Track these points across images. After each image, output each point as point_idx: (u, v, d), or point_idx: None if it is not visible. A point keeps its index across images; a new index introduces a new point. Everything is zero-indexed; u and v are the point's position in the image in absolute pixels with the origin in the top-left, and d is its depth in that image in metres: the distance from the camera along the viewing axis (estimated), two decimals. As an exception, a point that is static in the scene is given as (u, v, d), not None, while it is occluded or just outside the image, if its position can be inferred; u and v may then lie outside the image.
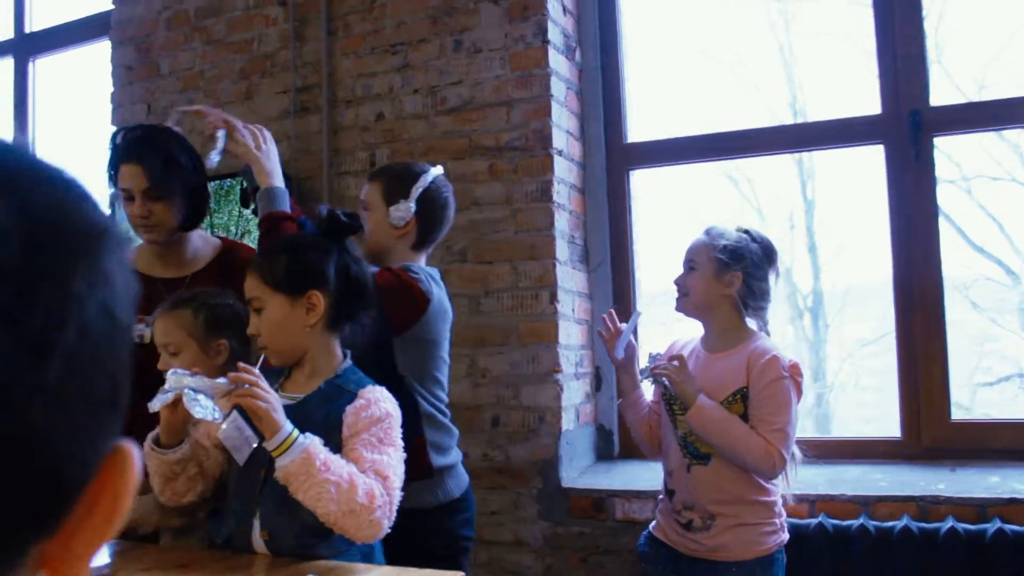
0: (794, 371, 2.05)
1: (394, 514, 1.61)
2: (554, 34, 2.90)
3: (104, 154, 2.21)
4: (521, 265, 2.83)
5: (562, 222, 2.87)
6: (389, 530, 1.61)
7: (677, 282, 2.17)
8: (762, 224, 4.08)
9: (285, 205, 2.09)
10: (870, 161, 2.80)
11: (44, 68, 4.43)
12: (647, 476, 2.77)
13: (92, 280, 0.39)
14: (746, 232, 2.15)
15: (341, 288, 1.77)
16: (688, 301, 2.16)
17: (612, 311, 2.26)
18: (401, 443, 1.70)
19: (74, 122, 4.44)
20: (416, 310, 1.99)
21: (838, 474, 2.62)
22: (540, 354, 2.79)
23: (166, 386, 1.59)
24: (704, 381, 2.09)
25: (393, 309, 1.96)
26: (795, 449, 2.09)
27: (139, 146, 2.13)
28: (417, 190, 2.09)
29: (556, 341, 2.78)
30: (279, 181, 2.12)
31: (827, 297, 3.84)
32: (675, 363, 2.09)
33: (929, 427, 2.63)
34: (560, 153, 2.89)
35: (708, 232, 2.17)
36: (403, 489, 1.67)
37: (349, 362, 1.81)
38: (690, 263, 2.16)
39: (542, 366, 2.79)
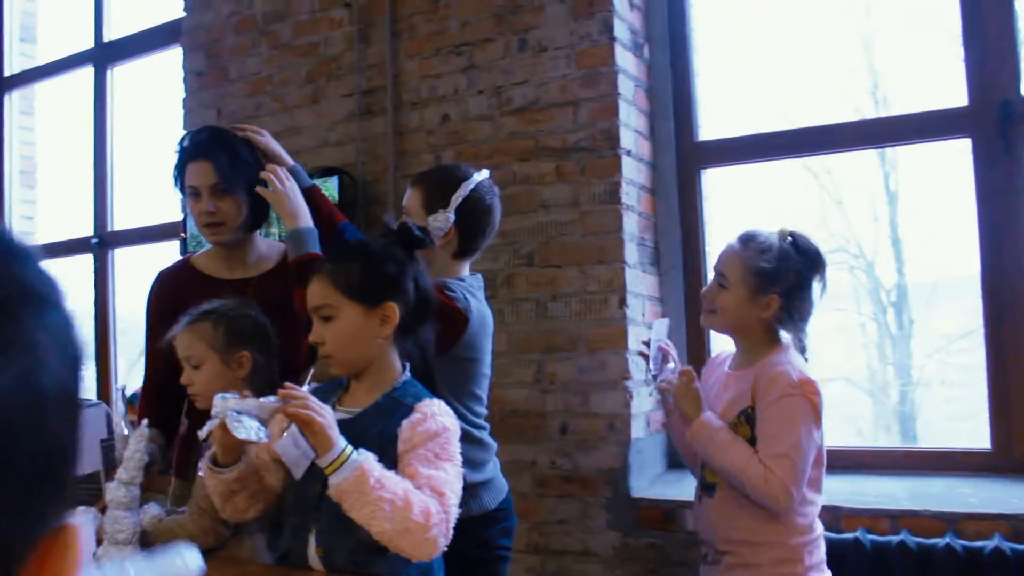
0: (806, 388, 1.81)
1: (451, 532, 1.57)
2: (620, 31, 2.82)
3: (172, 159, 2.25)
4: (589, 269, 2.76)
5: (631, 224, 2.79)
6: (446, 548, 1.56)
7: (705, 296, 1.98)
8: (843, 217, 3.94)
9: (314, 245, 2.05)
10: (956, 154, 2.66)
11: (122, 76, 4.53)
12: (720, 486, 2.69)
13: (6, 349, 0.35)
14: (791, 239, 1.92)
15: (412, 301, 1.75)
16: (716, 318, 1.97)
17: (645, 341, 2.09)
18: (459, 458, 1.66)
19: (150, 129, 4.52)
20: (456, 331, 1.93)
21: (922, 487, 2.49)
22: (609, 360, 2.73)
23: (213, 411, 1.60)
24: (721, 401, 1.94)
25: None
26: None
27: (205, 144, 2.19)
28: (457, 199, 2.01)
29: (625, 347, 2.71)
30: (305, 220, 2.08)
31: (912, 291, 3.68)
32: (679, 376, 1.95)
33: (1022, 438, 2.48)
34: (628, 153, 2.81)
35: (744, 242, 1.92)
36: None
37: (408, 375, 1.78)
38: (720, 277, 1.94)
39: (611, 373, 2.72)
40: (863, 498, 2.42)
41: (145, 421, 1.74)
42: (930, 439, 3.80)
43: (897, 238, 3.61)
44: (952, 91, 2.63)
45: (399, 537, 1.52)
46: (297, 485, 1.70)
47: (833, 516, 2.38)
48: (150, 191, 4.43)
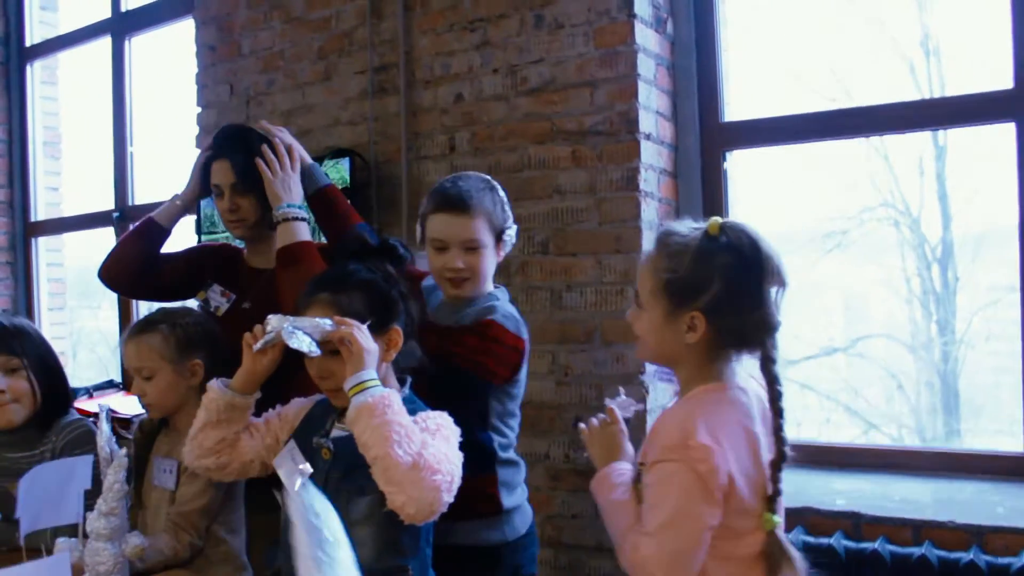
0: (693, 453, 1.37)
1: (453, 496, 1.49)
2: (641, 6, 2.67)
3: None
4: (605, 259, 2.65)
5: (650, 212, 2.67)
6: (444, 509, 1.48)
7: (629, 319, 1.58)
8: (888, 171, 3.74)
9: (304, 233, 2.12)
10: (1001, 138, 2.49)
11: (140, 47, 4.46)
12: (739, 484, 2.59)
13: None
14: (721, 235, 1.46)
15: (409, 321, 1.71)
16: (642, 348, 1.57)
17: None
18: (459, 455, 1.57)
19: (167, 100, 4.46)
20: (518, 362, 1.90)
21: (949, 493, 2.38)
22: (625, 354, 2.63)
23: (268, 327, 1.58)
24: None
25: (503, 368, 1.87)
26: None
27: (227, 143, 2.27)
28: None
29: (642, 341, 2.61)
30: (292, 199, 2.15)
31: (958, 246, 3.56)
32: (599, 420, 1.67)
33: (1060, 443, 2.35)
34: (648, 137, 2.67)
35: (657, 246, 1.52)
36: (470, 527, 1.80)
37: (408, 391, 1.71)
38: (636, 297, 1.55)
39: (627, 366, 2.63)
40: (886, 503, 2.32)
41: (124, 450, 1.69)
42: (971, 394, 3.68)
43: (944, 192, 3.48)
44: (997, 73, 2.45)
45: (407, 472, 1.43)
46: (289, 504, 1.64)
47: (854, 523, 2.28)
48: (169, 165, 4.40)
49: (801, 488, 2.51)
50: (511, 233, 1.96)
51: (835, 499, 2.39)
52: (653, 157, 2.71)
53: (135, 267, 2.31)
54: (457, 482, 1.49)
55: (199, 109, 3.66)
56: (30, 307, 4.88)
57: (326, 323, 1.56)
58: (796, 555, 1.46)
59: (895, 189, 3.92)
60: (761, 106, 2.86)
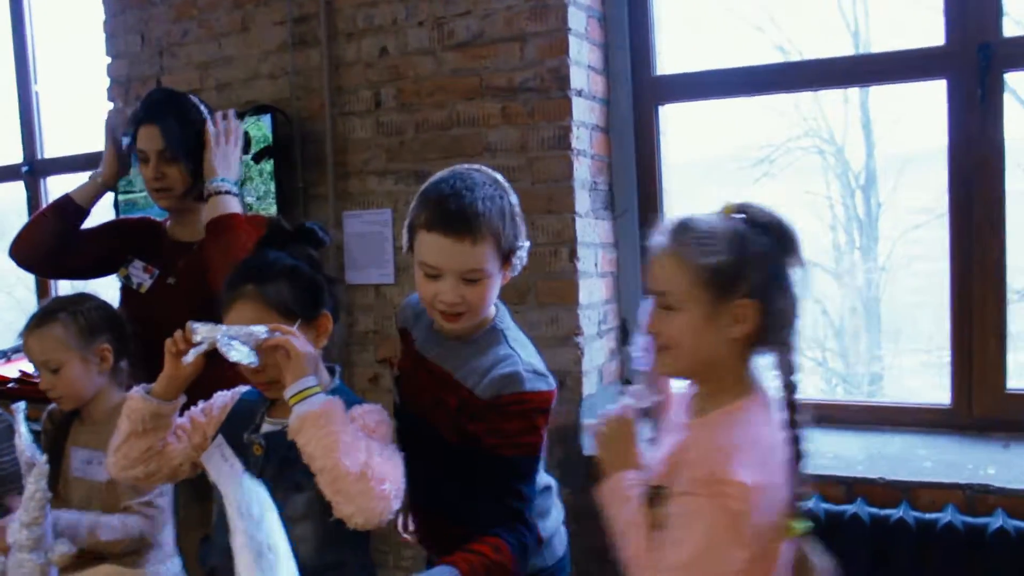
0: (728, 489, 1.23)
1: (399, 503, 1.45)
2: (572, -43, 2.58)
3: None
4: (538, 219, 2.60)
5: (582, 171, 2.62)
6: (392, 516, 1.44)
7: (650, 330, 1.37)
8: (814, 100, 3.72)
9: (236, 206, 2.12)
10: (931, 95, 2.49)
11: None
12: (674, 441, 2.62)
13: None
14: (741, 213, 1.34)
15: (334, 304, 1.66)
16: (671, 357, 1.36)
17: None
18: (399, 455, 1.54)
19: (76, 47, 4.22)
20: (550, 414, 1.65)
21: (879, 447, 2.43)
22: (559, 315, 2.60)
23: (196, 337, 1.48)
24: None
25: (534, 436, 1.62)
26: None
27: (156, 107, 2.18)
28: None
29: (576, 302, 2.58)
30: (228, 174, 2.14)
31: (880, 174, 3.62)
32: (609, 417, 1.52)
33: (981, 396, 2.41)
34: (580, 94, 2.61)
35: (678, 237, 1.34)
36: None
37: (338, 381, 1.66)
38: (662, 299, 1.35)
39: (561, 328, 2.60)
40: (819, 461, 2.36)
41: (44, 457, 1.60)
42: (892, 319, 3.77)
43: (868, 120, 3.51)
44: (928, 31, 2.44)
45: (353, 481, 1.39)
46: (224, 503, 1.59)
47: (786, 479, 2.32)
48: (81, 116, 4.18)
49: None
50: (522, 255, 1.61)
51: (767, 455, 2.43)
52: (585, 114, 2.64)
53: (49, 247, 2.20)
54: (402, 488, 1.46)
55: (108, 59, 3.46)
56: (-62, 267, 4.64)
57: (260, 331, 1.48)
58: (819, 562, 1.39)
59: (820, 117, 3.96)
60: (690, 59, 2.81)
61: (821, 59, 2.65)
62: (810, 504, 2.20)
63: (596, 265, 2.70)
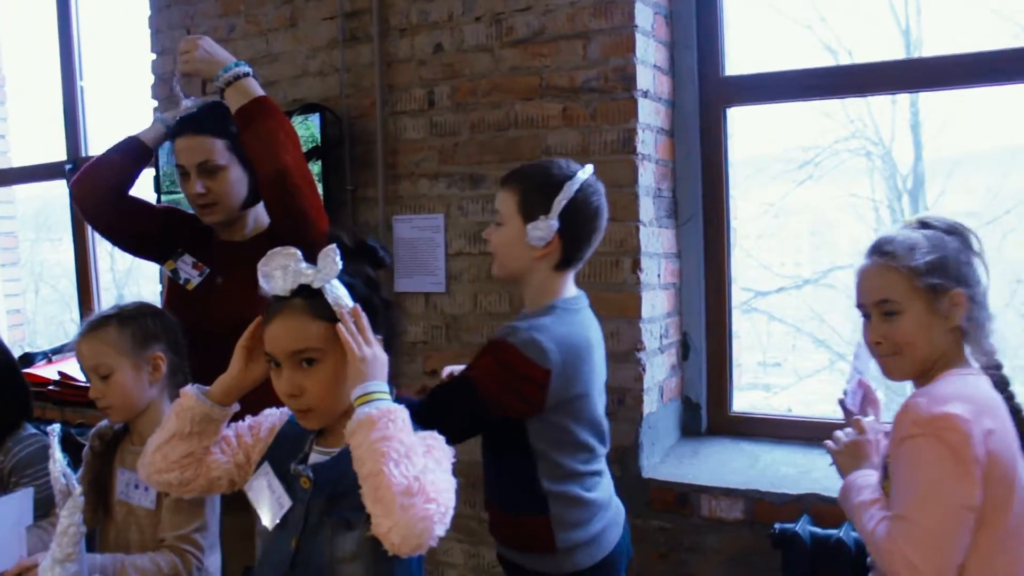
0: (937, 424, 1.34)
1: (445, 529, 1.30)
2: (639, -50, 2.44)
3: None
4: (599, 227, 2.46)
5: (647, 176, 2.48)
6: (434, 543, 1.29)
7: (877, 340, 1.52)
8: (861, 101, 3.61)
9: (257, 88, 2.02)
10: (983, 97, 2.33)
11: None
12: (737, 464, 2.47)
13: None
14: (927, 226, 1.53)
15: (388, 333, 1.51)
16: (902, 360, 1.50)
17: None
18: (452, 481, 1.40)
19: (120, 44, 4.16)
20: (536, 398, 1.66)
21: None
22: (620, 329, 2.46)
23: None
24: None
25: (511, 396, 1.67)
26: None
27: (192, 116, 2.06)
28: (560, 203, 1.70)
29: (638, 315, 2.44)
30: (227, 60, 2.03)
31: (928, 177, 3.51)
32: (846, 434, 1.62)
33: None
34: (646, 95, 2.47)
35: (884, 250, 1.51)
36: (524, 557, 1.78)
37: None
38: (883, 305, 1.50)
39: (622, 343, 2.46)
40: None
41: (79, 488, 1.48)
42: None
43: (917, 122, 3.40)
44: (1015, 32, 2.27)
45: (398, 493, 1.24)
46: (270, 536, 1.47)
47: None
48: (125, 113, 4.12)
49: (805, 470, 2.39)
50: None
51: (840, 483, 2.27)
52: (650, 116, 2.50)
53: (110, 185, 2.09)
54: (451, 514, 1.30)
55: (153, 56, 3.38)
56: (-20, 263, 4.61)
57: (345, 302, 1.38)
58: None
59: (868, 119, 3.82)
60: (764, 61, 2.66)
61: (891, 61, 2.49)
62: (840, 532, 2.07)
63: (659, 276, 2.55)
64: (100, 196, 2.10)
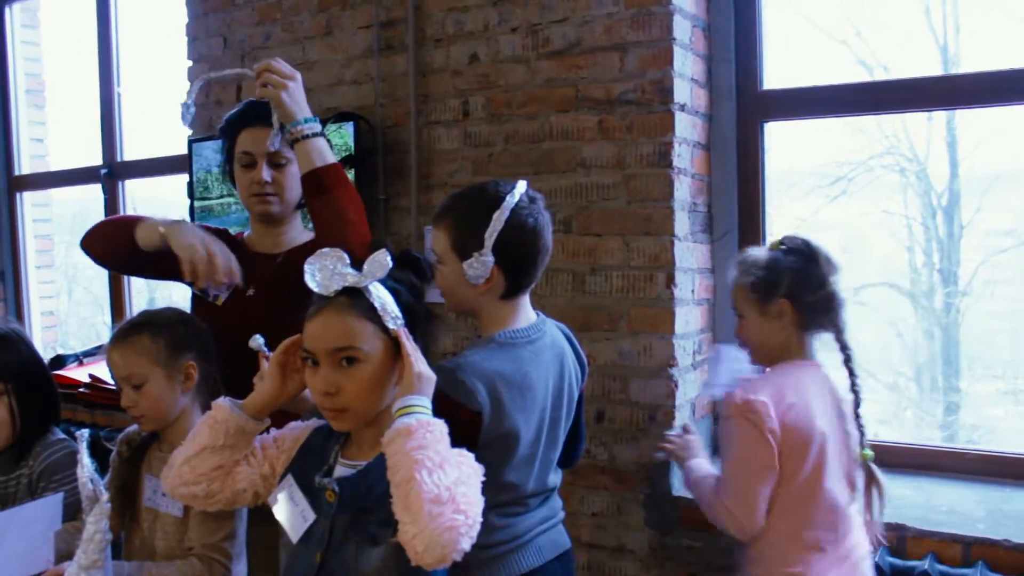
0: (743, 408, 1.77)
1: (471, 543, 1.27)
2: (679, -38, 2.41)
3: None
4: (634, 241, 2.44)
5: (683, 190, 2.45)
6: (458, 557, 1.26)
7: (736, 335, 1.99)
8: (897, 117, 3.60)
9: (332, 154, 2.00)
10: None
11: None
12: (772, 484, 2.42)
13: None
14: (781, 245, 1.92)
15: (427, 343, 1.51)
16: (756, 355, 1.96)
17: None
18: (481, 498, 1.36)
19: (157, 49, 4.19)
20: (469, 441, 1.48)
21: (999, 502, 2.21)
22: (653, 344, 2.43)
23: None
24: None
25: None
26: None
27: (271, 113, 2.00)
28: (491, 236, 1.61)
29: (672, 331, 2.41)
30: (307, 112, 1.99)
31: (965, 191, 3.45)
32: (679, 436, 2.13)
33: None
34: (683, 108, 2.44)
35: (737, 268, 1.95)
36: None
37: None
38: (736, 312, 1.96)
39: (655, 359, 2.43)
40: (933, 516, 2.15)
41: (106, 495, 1.48)
42: (970, 344, 3.62)
43: (953, 139, 3.36)
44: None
45: (427, 501, 1.23)
46: (295, 550, 1.45)
47: (899, 536, 2.11)
48: (160, 119, 4.15)
49: (840, 492, 2.34)
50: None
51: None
52: (687, 130, 2.47)
53: (121, 248, 2.08)
54: (477, 528, 1.27)
55: (190, 63, 3.40)
56: (16, 266, 4.66)
57: (394, 316, 1.40)
58: (883, 480, 1.86)
59: (903, 135, 3.77)
60: (803, 75, 2.62)
61: (935, 77, 2.44)
62: (925, 564, 2.01)
63: (693, 292, 2.52)
64: (112, 259, 2.15)
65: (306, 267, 1.42)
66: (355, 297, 1.40)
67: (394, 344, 1.41)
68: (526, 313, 1.73)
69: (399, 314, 1.40)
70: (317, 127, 1.97)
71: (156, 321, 1.82)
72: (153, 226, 1.98)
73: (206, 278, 1.89)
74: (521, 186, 1.68)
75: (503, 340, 1.65)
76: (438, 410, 1.42)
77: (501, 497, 1.63)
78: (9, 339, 2.02)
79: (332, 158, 1.98)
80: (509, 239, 1.62)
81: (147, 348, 1.77)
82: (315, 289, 1.41)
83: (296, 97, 1.96)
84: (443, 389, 1.48)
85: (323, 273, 1.41)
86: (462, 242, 1.64)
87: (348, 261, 1.41)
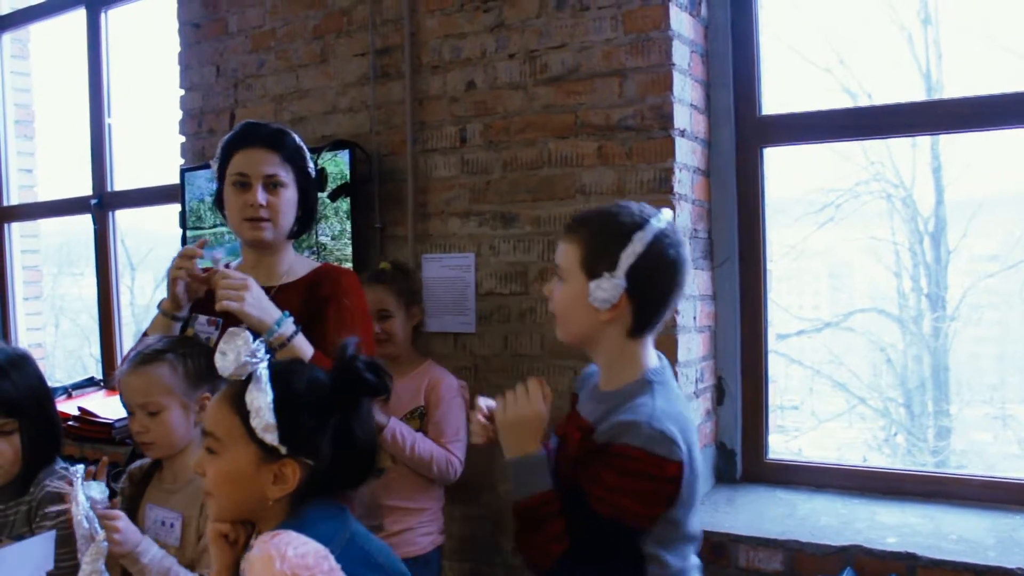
0: None
1: None
2: (677, -12, 2.41)
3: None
4: (634, 267, 2.41)
5: (684, 217, 2.42)
6: None
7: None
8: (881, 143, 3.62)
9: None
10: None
11: (117, 19, 4.15)
12: (775, 513, 2.38)
13: None
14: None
15: (328, 460, 1.35)
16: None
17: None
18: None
19: (148, 79, 4.17)
20: (671, 498, 1.42)
21: (1009, 530, 2.17)
22: (655, 372, 2.39)
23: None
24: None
25: (638, 507, 1.42)
26: None
27: (266, 133, 2.01)
28: (628, 258, 1.46)
29: (675, 359, 2.37)
30: (275, 316, 1.83)
31: (951, 216, 3.45)
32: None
33: None
34: (683, 134, 2.42)
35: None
36: None
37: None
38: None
39: (657, 387, 2.39)
40: (942, 543, 2.11)
41: (102, 533, 1.43)
42: (958, 369, 3.60)
43: (939, 165, 3.37)
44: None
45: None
46: None
47: (908, 566, 2.07)
48: (150, 148, 4.11)
49: (847, 521, 2.30)
50: None
51: (885, 536, 2.18)
52: (687, 155, 2.45)
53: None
54: None
55: (182, 91, 3.37)
56: (3, 297, 4.60)
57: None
58: None
59: (888, 161, 3.78)
60: (801, 99, 2.61)
61: (931, 101, 2.44)
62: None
63: (695, 319, 2.49)
64: None
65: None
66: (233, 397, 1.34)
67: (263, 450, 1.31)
68: (653, 354, 1.59)
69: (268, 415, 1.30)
70: (291, 325, 1.84)
71: (176, 348, 1.78)
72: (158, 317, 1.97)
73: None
74: (668, 214, 1.56)
75: (659, 380, 1.52)
76: (639, 473, 1.34)
77: (685, 552, 1.54)
78: (19, 364, 1.95)
79: (311, 350, 1.85)
80: (645, 267, 1.47)
81: (167, 377, 1.75)
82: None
83: (261, 303, 1.82)
84: (641, 448, 1.37)
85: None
86: (593, 259, 1.49)
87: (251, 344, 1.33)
